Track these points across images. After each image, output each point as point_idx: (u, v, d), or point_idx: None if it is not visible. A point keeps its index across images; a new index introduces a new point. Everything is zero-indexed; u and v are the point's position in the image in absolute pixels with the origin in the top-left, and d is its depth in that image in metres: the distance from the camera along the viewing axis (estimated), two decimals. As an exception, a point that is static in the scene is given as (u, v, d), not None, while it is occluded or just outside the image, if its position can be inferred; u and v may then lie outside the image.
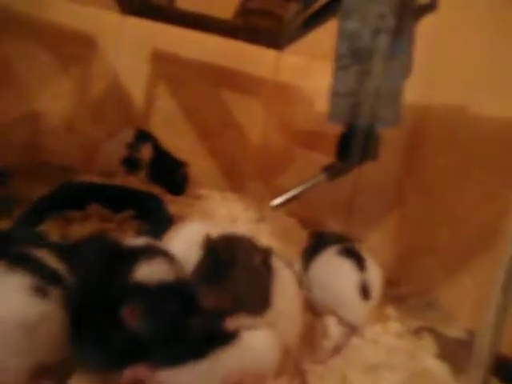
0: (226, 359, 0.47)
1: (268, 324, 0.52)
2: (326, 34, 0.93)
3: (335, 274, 0.68)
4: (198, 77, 1.49)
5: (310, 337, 0.64)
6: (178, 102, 1.52)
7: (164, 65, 1.48)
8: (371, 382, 0.54)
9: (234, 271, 0.49)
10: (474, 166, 0.90)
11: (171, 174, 1.26)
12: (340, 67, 0.77)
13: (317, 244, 0.75)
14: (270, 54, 1.45)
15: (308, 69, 1.44)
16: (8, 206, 0.83)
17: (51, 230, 0.78)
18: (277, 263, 0.55)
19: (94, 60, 1.45)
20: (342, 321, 0.67)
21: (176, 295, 0.48)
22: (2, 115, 1.31)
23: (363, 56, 0.75)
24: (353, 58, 0.76)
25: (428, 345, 0.66)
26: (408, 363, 0.60)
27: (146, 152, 1.25)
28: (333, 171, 0.80)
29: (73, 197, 0.87)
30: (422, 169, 1.14)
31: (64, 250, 0.53)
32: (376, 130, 0.77)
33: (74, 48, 1.45)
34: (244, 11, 1.15)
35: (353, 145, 0.78)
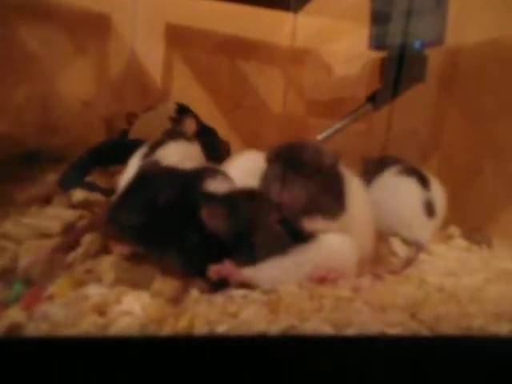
0: (308, 256, 0.45)
1: (344, 228, 0.50)
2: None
3: (399, 193, 0.66)
4: (214, 48, 1.46)
5: (377, 256, 0.62)
6: (195, 75, 1.50)
7: (179, 38, 1.46)
8: (452, 283, 0.52)
9: (305, 172, 0.47)
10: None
11: (214, 148, 1.26)
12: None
13: (373, 168, 0.73)
14: (285, 18, 1.42)
15: (326, 32, 1.40)
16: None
17: (98, 181, 0.77)
18: (345, 170, 0.53)
19: (110, 38, 1.43)
20: (406, 241, 0.65)
21: (251, 197, 0.46)
22: (20, 98, 1.30)
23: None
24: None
25: (500, 253, 0.63)
26: (485, 267, 0.57)
27: (189, 126, 1.24)
28: (378, 99, 0.78)
29: (117, 152, 0.86)
30: (459, 108, 1.10)
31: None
32: (420, 50, 0.74)
33: (89, 27, 1.44)
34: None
35: (396, 68, 0.76)
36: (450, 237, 0.70)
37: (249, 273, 0.43)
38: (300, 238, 0.46)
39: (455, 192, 1.00)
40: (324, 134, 0.78)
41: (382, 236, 0.63)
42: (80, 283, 0.43)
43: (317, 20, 1.44)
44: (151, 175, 0.48)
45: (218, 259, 0.43)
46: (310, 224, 0.47)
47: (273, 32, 1.51)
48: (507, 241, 0.73)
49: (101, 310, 0.39)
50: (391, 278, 0.53)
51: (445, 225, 0.72)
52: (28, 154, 0.92)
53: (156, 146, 0.66)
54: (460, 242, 0.68)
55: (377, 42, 0.77)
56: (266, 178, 0.49)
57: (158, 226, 0.44)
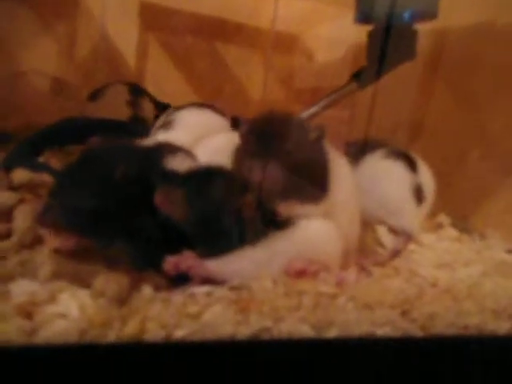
0: (284, 246, 0.38)
1: (327, 215, 0.43)
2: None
3: (385, 177, 0.60)
4: (192, 30, 1.38)
5: (363, 247, 0.56)
6: (172, 59, 1.41)
7: (154, 19, 1.37)
8: (447, 275, 0.47)
9: (284, 148, 0.40)
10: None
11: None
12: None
13: (357, 151, 0.66)
14: (268, 2, 1.35)
15: (308, 17, 1.34)
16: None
17: (50, 161, 0.69)
18: (331, 149, 0.46)
19: (80, 17, 1.34)
20: (393, 229, 0.59)
21: (216, 177, 0.39)
22: None
23: None
24: None
25: (495, 243, 0.58)
26: (480, 259, 0.52)
27: (147, 107, 1.15)
28: (364, 77, 0.71)
29: (73, 131, 0.78)
30: (446, 92, 1.05)
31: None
32: (410, 22, 0.67)
33: (58, 5, 1.34)
34: None
35: (383, 42, 0.69)
36: (440, 226, 0.65)
37: (213, 266, 0.36)
38: (275, 224, 0.39)
39: (441, 178, 0.95)
40: (307, 112, 0.71)
41: (366, 224, 0.57)
42: (8, 277, 0.35)
43: (300, 3, 1.37)
44: (98, 153, 0.41)
45: (176, 250, 0.36)
46: (288, 208, 0.40)
47: (254, 15, 1.43)
48: (498, 229, 0.68)
49: (27, 312, 0.31)
50: (379, 271, 0.47)
51: (433, 213, 0.67)
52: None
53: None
54: (450, 231, 0.63)
55: (362, 15, 0.70)
56: (238, 154, 0.42)
57: (105, 212, 0.37)
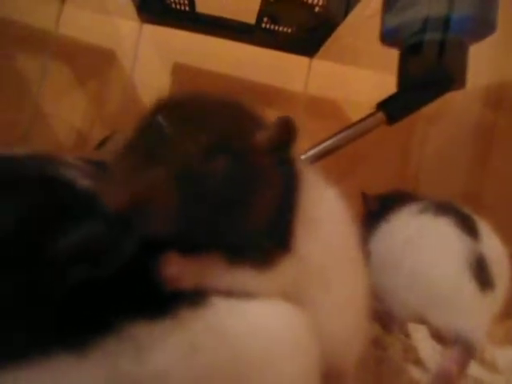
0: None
1: (287, 293, 0.21)
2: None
3: (428, 244, 0.36)
4: (223, 92, 1.30)
5: (381, 365, 0.31)
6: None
7: (186, 79, 1.32)
8: None
9: (196, 146, 0.20)
10: None
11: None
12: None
13: (380, 207, 0.44)
14: (301, 64, 1.26)
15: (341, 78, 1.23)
16: None
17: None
18: (309, 170, 0.25)
19: (112, 73, 1.33)
20: (441, 335, 0.34)
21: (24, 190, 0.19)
22: (18, 130, 1.19)
23: None
24: None
25: None
26: None
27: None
28: (393, 106, 0.51)
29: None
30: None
31: None
32: (458, 31, 0.48)
33: (91, 60, 1.35)
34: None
35: (418, 64, 0.50)
36: None
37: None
38: (156, 298, 0.17)
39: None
40: (311, 152, 0.51)
41: (388, 322, 0.33)
42: None
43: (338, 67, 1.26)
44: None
45: None
46: (195, 271, 0.19)
47: (287, 77, 1.34)
48: None
49: None
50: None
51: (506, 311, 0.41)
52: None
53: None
54: None
55: (391, 32, 0.52)
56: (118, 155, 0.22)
57: None
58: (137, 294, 0.17)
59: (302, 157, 0.50)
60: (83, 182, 0.20)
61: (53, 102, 1.27)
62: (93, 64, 1.31)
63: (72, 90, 1.29)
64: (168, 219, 0.18)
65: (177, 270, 0.18)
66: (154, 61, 1.32)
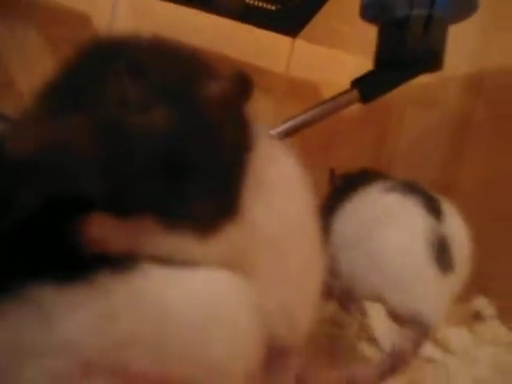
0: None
1: (232, 261, 0.19)
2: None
3: (387, 221, 0.35)
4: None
5: (335, 343, 0.30)
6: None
7: None
8: None
9: (130, 92, 0.18)
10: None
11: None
12: None
13: (349, 184, 0.43)
14: (283, 43, 1.23)
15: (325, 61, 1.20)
16: None
17: None
18: (262, 132, 0.23)
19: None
20: (397, 314, 0.33)
21: None
22: None
23: None
24: None
25: None
26: None
27: None
28: (368, 85, 0.50)
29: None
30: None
31: None
32: (441, 18, 0.47)
33: (67, 29, 1.29)
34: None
35: (397, 41, 0.48)
36: (478, 316, 0.38)
37: None
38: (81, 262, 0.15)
39: (480, 247, 0.68)
40: (282, 127, 0.49)
41: (345, 301, 0.32)
42: None
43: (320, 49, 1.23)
44: None
45: None
46: (125, 231, 0.17)
47: (269, 57, 1.31)
48: None
49: None
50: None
51: (466, 294, 0.40)
52: None
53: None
54: (496, 326, 0.36)
55: (372, 6, 0.51)
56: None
57: None
58: (46, 255, 0.15)
59: (273, 131, 0.49)
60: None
61: (24, 69, 1.21)
62: (69, 33, 1.25)
63: (44, 57, 1.23)
64: (88, 174, 0.16)
65: (102, 231, 0.17)
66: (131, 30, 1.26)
